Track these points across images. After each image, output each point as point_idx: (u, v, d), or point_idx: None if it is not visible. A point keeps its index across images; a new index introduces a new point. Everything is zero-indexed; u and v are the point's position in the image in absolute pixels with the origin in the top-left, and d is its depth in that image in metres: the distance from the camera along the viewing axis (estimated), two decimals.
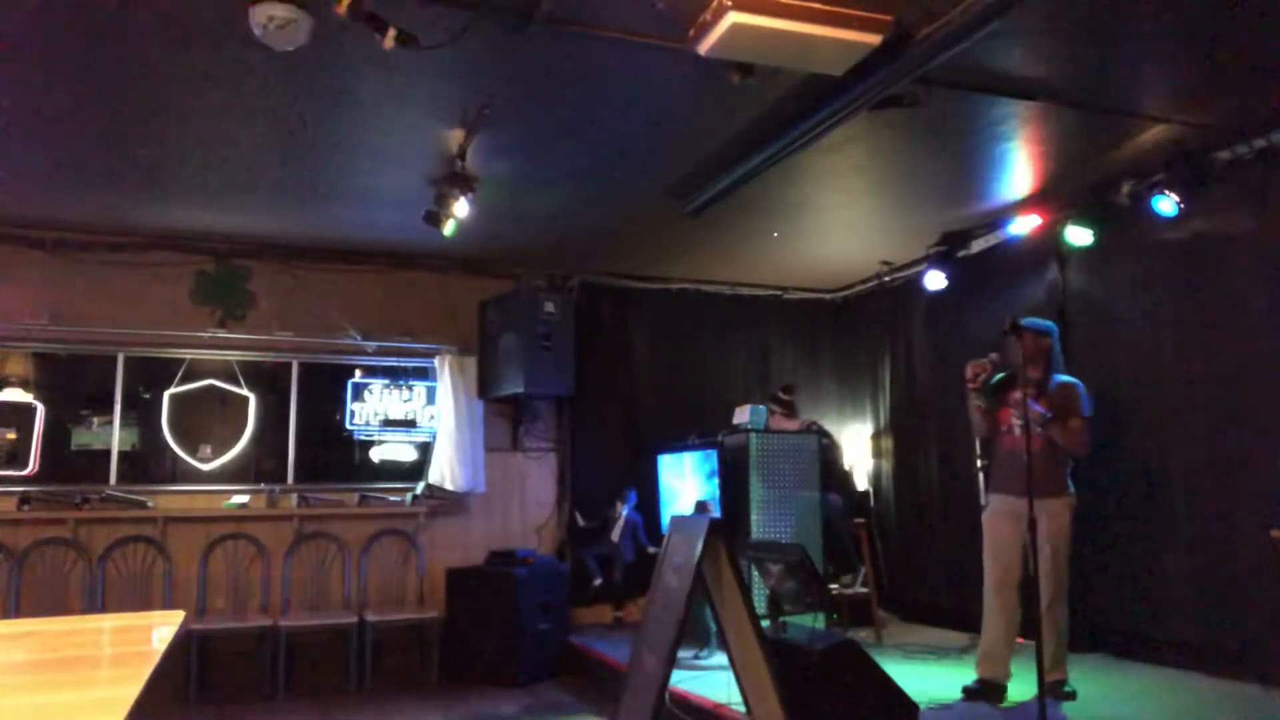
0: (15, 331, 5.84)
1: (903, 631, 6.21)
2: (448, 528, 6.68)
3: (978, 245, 6.14)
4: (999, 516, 4.43)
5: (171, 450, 6.17)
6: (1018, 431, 4.39)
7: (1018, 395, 4.40)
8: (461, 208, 4.79)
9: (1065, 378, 4.48)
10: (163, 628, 2.18)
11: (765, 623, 4.03)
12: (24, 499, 5.70)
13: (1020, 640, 4.48)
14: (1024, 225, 5.78)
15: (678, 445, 6.50)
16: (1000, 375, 4.45)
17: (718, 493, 5.89)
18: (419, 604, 6.36)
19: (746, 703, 3.70)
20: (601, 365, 7.08)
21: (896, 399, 7.11)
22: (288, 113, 4.24)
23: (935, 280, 6.27)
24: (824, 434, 6.46)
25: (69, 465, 6.01)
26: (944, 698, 4.34)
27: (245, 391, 6.36)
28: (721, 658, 4.12)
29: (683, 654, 4.89)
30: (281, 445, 6.45)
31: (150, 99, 4.07)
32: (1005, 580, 4.39)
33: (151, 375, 6.22)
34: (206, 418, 6.30)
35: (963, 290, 6.24)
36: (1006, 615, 4.37)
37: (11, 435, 5.84)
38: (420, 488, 6.57)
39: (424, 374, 6.85)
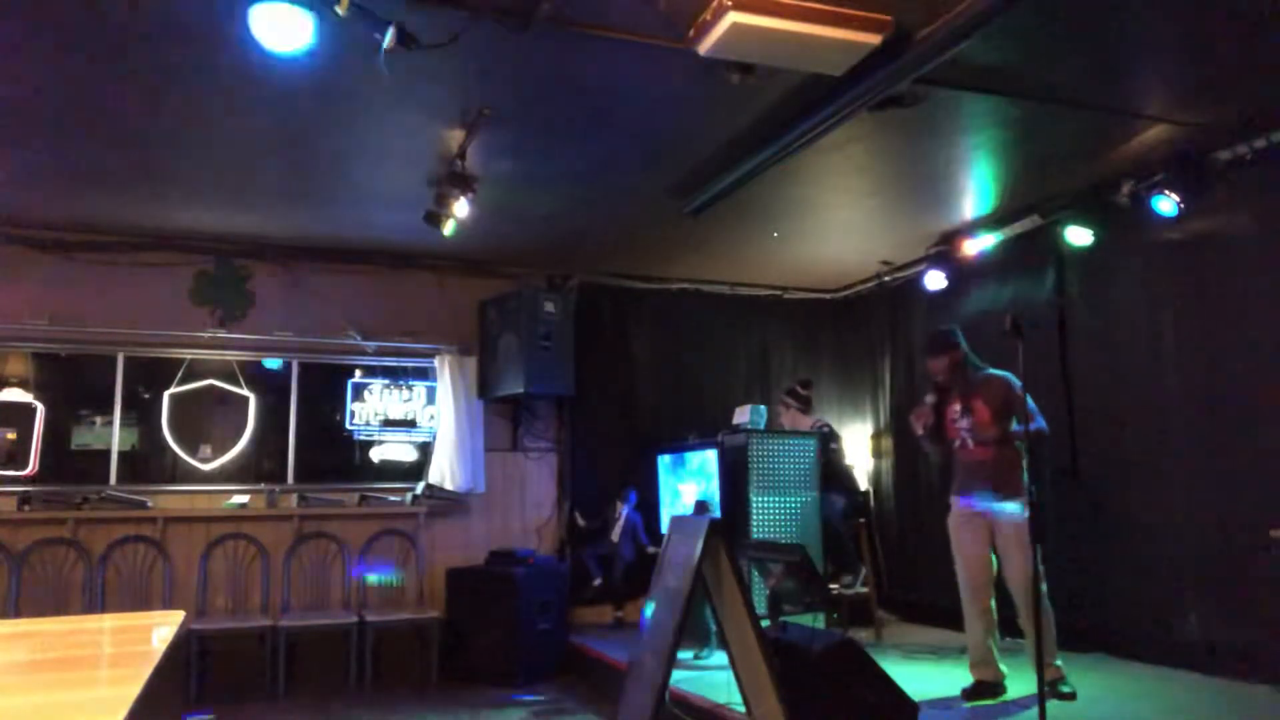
0: (15, 331, 5.84)
1: (903, 631, 6.22)
2: (448, 528, 6.68)
3: (978, 245, 6.14)
4: (961, 520, 4.48)
5: (171, 450, 6.17)
6: (970, 442, 4.42)
7: (955, 408, 4.47)
8: (461, 208, 4.79)
9: (991, 372, 4.50)
10: (163, 628, 2.18)
11: (765, 623, 4.03)
12: (24, 499, 5.69)
13: (1008, 639, 4.50)
14: (1023, 225, 5.79)
15: (678, 445, 6.50)
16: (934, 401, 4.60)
17: (718, 493, 5.89)
18: (419, 604, 6.36)
19: (746, 703, 3.70)
20: (601, 365, 7.07)
21: (896, 399, 7.11)
22: (288, 113, 4.24)
23: (935, 280, 6.28)
24: (833, 435, 6.45)
25: (69, 465, 6.02)
26: (944, 697, 4.34)
27: (245, 391, 6.37)
28: (721, 658, 4.12)
29: (683, 654, 4.90)
30: (281, 445, 6.45)
31: (150, 99, 4.06)
32: (977, 581, 4.43)
33: (151, 375, 6.22)
34: (206, 418, 6.31)
35: (963, 290, 6.24)
36: (985, 617, 4.42)
37: (11, 435, 5.84)
38: (420, 488, 6.57)
39: (424, 374, 6.85)
